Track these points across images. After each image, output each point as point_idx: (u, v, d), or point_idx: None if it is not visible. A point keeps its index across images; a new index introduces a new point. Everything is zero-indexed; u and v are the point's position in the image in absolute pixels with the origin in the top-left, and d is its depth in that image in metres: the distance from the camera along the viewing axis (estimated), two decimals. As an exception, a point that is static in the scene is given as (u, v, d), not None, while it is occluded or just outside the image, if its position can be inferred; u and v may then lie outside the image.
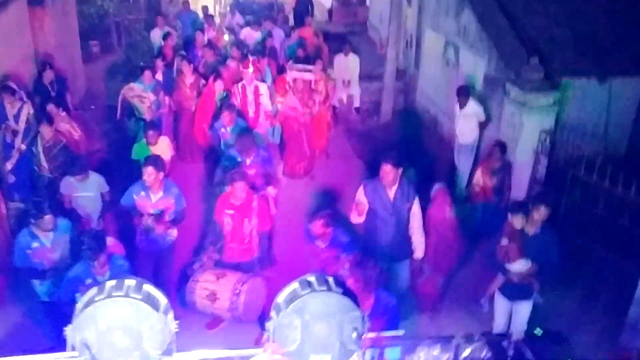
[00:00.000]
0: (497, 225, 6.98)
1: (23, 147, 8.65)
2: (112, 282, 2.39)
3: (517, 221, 6.07)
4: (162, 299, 2.40)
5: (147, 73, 10.09)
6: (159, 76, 10.59)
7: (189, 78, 10.33)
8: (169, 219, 6.72)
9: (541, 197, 6.35)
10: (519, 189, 8.52)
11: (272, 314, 2.43)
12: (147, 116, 9.80)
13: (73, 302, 5.10)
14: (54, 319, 5.89)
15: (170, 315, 2.37)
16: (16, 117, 8.80)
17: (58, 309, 5.59)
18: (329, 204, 8.55)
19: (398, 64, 12.70)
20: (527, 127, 8.45)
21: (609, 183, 7.17)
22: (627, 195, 6.91)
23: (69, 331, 2.32)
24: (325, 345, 2.40)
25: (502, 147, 8.37)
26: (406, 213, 6.36)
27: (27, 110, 8.86)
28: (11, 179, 8.70)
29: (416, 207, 6.38)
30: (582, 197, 7.60)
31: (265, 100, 9.96)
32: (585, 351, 5.67)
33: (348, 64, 12.23)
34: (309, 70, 10.74)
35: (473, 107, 9.29)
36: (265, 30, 13.84)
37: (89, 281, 5.40)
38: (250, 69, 10.04)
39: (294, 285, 2.47)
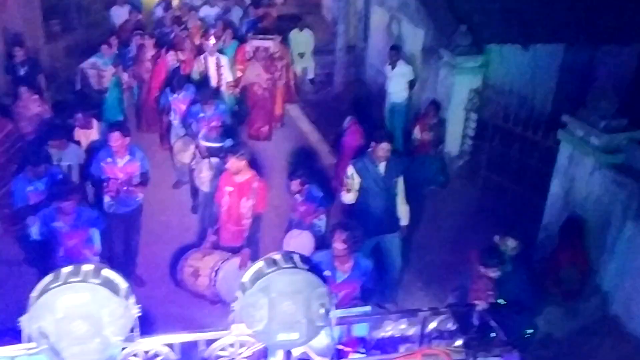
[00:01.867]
0: (431, 175, 8.51)
1: None
2: (69, 268, 2.08)
3: (492, 272, 4.80)
4: (122, 283, 2.10)
5: (105, 47, 9.60)
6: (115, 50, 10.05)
7: (150, 51, 9.88)
8: (136, 182, 6.40)
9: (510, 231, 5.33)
10: (453, 142, 9.07)
11: (238, 293, 2.18)
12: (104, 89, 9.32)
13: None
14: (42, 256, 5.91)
15: (132, 299, 2.07)
16: None
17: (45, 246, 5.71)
18: (299, 163, 8.43)
19: (348, 39, 12.44)
20: (458, 87, 8.88)
21: (521, 129, 7.69)
22: (536, 138, 7.47)
23: (24, 321, 2.01)
24: (293, 323, 2.14)
25: (436, 105, 8.80)
26: (394, 186, 6.13)
27: None
28: None
29: (400, 180, 6.16)
30: (501, 143, 8.08)
31: (225, 71, 9.82)
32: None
33: (302, 39, 12.15)
34: (270, 39, 10.51)
35: (402, 67, 9.61)
36: (223, 6, 13.69)
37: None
38: (212, 41, 9.96)
39: (259, 264, 2.20)
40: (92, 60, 9.59)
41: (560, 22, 9.32)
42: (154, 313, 4.68)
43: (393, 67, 9.66)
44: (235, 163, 5.99)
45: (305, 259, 2.20)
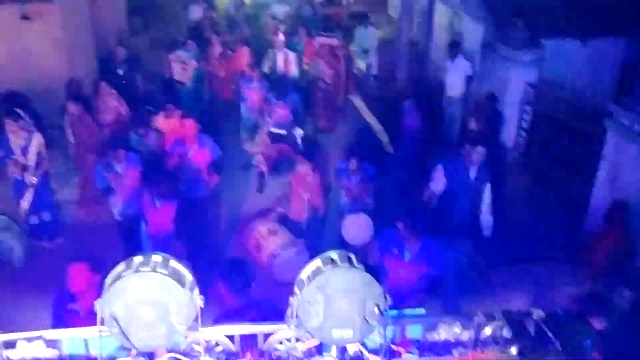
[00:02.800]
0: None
1: (34, 180, 6.78)
2: (140, 258, 2.12)
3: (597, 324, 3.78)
4: (188, 276, 2.11)
5: (190, 41, 9.67)
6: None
7: (217, 49, 9.96)
8: (207, 169, 6.53)
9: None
10: (507, 134, 8.84)
11: (296, 290, 2.16)
12: (186, 81, 9.38)
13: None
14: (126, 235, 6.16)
15: (196, 291, 2.09)
16: (24, 149, 6.74)
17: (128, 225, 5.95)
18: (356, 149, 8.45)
19: (412, 36, 12.28)
20: (514, 80, 8.61)
21: (572, 120, 7.55)
22: (586, 128, 7.31)
23: (98, 305, 2.07)
24: (348, 321, 2.10)
25: (493, 98, 8.51)
26: (481, 193, 5.70)
27: (37, 141, 6.77)
28: (34, 220, 7.02)
29: (488, 190, 5.72)
30: (552, 133, 7.97)
31: (293, 66, 9.80)
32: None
33: (366, 36, 12.07)
34: (334, 37, 10.58)
35: (461, 61, 9.40)
36: (293, 4, 13.85)
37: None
38: (281, 37, 9.99)
39: (317, 262, 2.18)
40: (178, 52, 9.62)
41: (619, 16, 8.71)
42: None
43: (452, 61, 9.51)
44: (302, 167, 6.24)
45: (361, 260, 2.15)
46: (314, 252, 6.23)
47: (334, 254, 2.15)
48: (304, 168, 6.40)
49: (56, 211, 7.24)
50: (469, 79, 9.59)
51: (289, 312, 2.13)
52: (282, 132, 7.54)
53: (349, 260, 2.13)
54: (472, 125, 8.73)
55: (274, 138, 7.72)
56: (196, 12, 12.95)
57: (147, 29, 14.33)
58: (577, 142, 7.54)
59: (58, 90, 8.90)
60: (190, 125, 6.43)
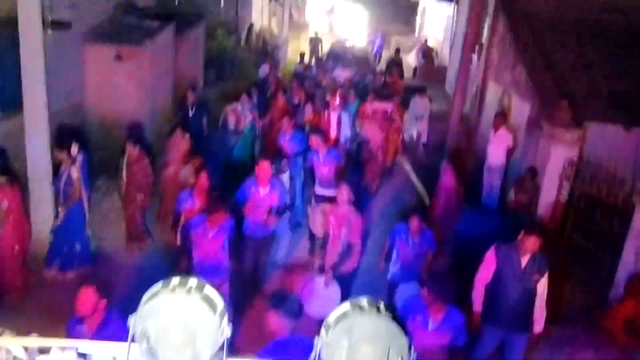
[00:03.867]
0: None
1: (60, 210, 6.75)
2: (177, 279, 2.09)
3: None
4: (220, 303, 2.06)
5: (244, 96, 10.04)
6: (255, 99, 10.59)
7: (280, 103, 10.42)
8: (273, 211, 6.56)
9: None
10: (545, 207, 8.85)
11: (322, 331, 2.07)
12: (238, 128, 9.70)
13: None
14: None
15: (225, 319, 2.04)
16: (59, 178, 6.71)
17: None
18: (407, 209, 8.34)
19: (464, 110, 12.47)
20: (554, 156, 8.70)
21: (606, 196, 7.61)
22: (617, 204, 7.47)
23: (132, 320, 2.04)
24: (369, 367, 2.01)
25: (533, 171, 8.71)
26: (533, 284, 5.16)
27: (76, 173, 6.63)
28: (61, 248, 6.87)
29: (544, 281, 5.19)
30: (585, 206, 8.07)
31: (345, 127, 10.01)
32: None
33: (421, 104, 12.50)
34: (389, 102, 10.91)
35: (505, 132, 9.53)
36: (355, 70, 14.29)
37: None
38: (337, 100, 10.22)
39: (345, 306, 2.10)
40: (234, 105, 10.05)
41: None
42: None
43: (495, 131, 9.62)
44: (345, 193, 6.08)
45: (390, 309, 2.05)
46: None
47: (363, 301, 2.06)
48: (344, 199, 6.15)
49: (85, 243, 7.07)
50: (510, 150, 9.59)
51: (312, 354, 2.04)
52: (330, 193, 7.31)
53: (377, 307, 2.04)
54: (512, 195, 8.83)
55: (321, 199, 7.63)
56: (265, 70, 13.51)
57: (219, 81, 14.95)
58: (609, 217, 7.51)
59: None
60: (267, 167, 6.47)
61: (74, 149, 6.72)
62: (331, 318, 2.05)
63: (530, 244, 5.05)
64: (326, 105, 10.50)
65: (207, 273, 5.55)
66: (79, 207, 6.85)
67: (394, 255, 6.29)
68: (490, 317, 5.18)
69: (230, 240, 5.82)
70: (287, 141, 8.71)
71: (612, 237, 7.34)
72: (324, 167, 7.81)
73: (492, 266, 5.21)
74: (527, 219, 8.57)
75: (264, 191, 6.50)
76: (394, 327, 1.98)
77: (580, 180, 8.51)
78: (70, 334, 3.95)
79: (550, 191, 8.79)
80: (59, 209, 6.87)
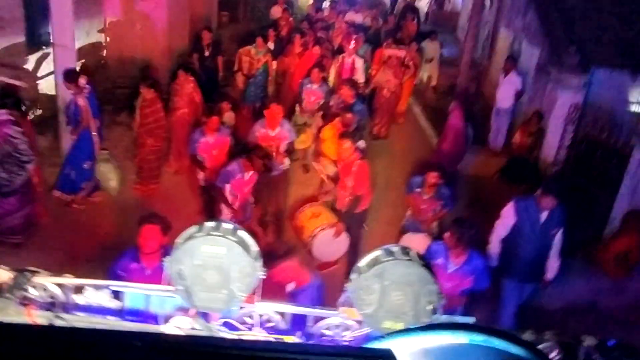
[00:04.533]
0: (527, 175, 8.13)
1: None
2: (212, 223, 2.05)
3: None
4: (254, 246, 2.04)
5: (260, 40, 9.59)
6: (271, 45, 10.15)
7: (298, 48, 9.97)
8: (283, 150, 6.65)
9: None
10: (549, 150, 8.88)
11: (353, 276, 2.03)
12: (251, 71, 9.41)
13: None
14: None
15: (259, 262, 2.01)
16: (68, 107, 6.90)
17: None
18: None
19: (475, 55, 12.14)
20: (561, 101, 8.63)
21: (608, 138, 7.51)
22: (617, 146, 7.39)
23: (167, 262, 2.01)
24: (400, 314, 1.96)
25: (539, 115, 8.74)
26: (551, 238, 5.11)
27: (82, 101, 6.78)
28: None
29: (560, 235, 5.12)
30: (586, 147, 8.04)
31: (359, 73, 9.65)
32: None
33: (432, 47, 12.16)
34: (403, 49, 10.53)
35: (513, 76, 9.40)
36: (367, 14, 13.76)
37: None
38: (352, 45, 9.84)
39: (377, 252, 2.05)
40: (248, 48, 9.68)
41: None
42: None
43: (505, 76, 9.51)
44: (345, 146, 5.94)
45: (421, 256, 2.01)
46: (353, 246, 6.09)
47: (394, 247, 2.01)
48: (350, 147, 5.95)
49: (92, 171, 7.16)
50: (519, 94, 9.47)
51: (342, 298, 2.01)
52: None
53: (409, 254, 1.99)
54: (517, 138, 8.86)
55: None
56: (276, 12, 13.03)
57: (233, 22, 14.52)
58: (609, 159, 7.55)
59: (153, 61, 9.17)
60: (278, 111, 6.49)
61: (82, 80, 6.88)
62: (362, 263, 2.01)
63: (548, 202, 4.95)
64: (340, 50, 10.12)
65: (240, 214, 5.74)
66: (87, 135, 6.95)
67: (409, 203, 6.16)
68: (506, 271, 5.12)
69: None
70: (311, 91, 8.35)
71: (609, 177, 7.41)
72: (348, 118, 7.42)
73: (510, 221, 5.09)
74: (532, 161, 8.74)
75: (273, 132, 6.53)
76: (424, 273, 1.94)
77: (583, 124, 8.46)
78: (122, 273, 3.83)
79: (555, 134, 8.80)
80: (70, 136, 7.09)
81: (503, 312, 5.28)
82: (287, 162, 6.76)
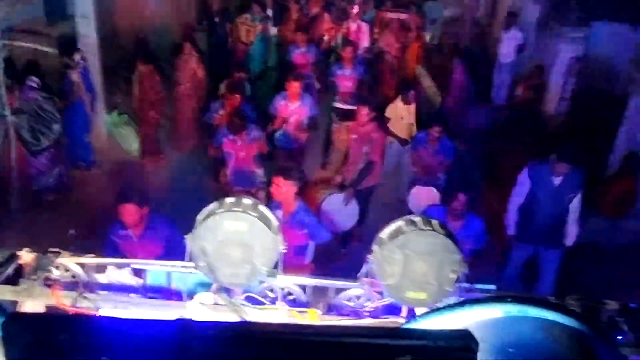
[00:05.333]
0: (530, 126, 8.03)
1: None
2: (232, 199, 1.96)
3: None
4: (274, 221, 1.95)
5: (256, 6, 8.91)
6: (269, 12, 9.54)
7: (294, 15, 9.46)
8: (303, 125, 6.29)
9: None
10: (550, 102, 8.75)
11: (374, 247, 1.96)
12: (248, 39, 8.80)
13: None
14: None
15: (280, 236, 1.94)
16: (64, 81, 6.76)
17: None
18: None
19: (477, 15, 11.74)
20: (561, 54, 8.43)
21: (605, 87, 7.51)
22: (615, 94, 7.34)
23: (189, 239, 1.93)
24: (423, 284, 1.89)
25: (540, 69, 8.55)
26: (567, 203, 4.83)
27: (75, 76, 6.73)
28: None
29: (577, 200, 4.86)
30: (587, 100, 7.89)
31: (365, 37, 9.18)
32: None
33: (434, 8, 11.62)
34: (405, 12, 10.09)
35: (515, 31, 9.28)
36: None
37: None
38: (356, 8, 9.43)
39: (399, 222, 1.96)
40: (245, 15, 9.07)
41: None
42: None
43: (507, 31, 9.33)
44: (365, 115, 5.59)
45: (443, 226, 1.93)
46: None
47: (416, 217, 1.93)
48: (366, 118, 5.66)
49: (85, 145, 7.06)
50: (520, 48, 9.27)
51: (363, 269, 1.95)
52: (351, 107, 6.64)
53: (430, 224, 1.91)
54: (519, 91, 8.75)
55: (341, 114, 7.08)
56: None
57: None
58: (608, 108, 7.49)
59: (160, 31, 8.78)
60: (296, 86, 6.14)
61: (77, 56, 6.79)
62: (384, 234, 1.93)
63: (562, 168, 4.72)
64: (345, 15, 9.54)
65: (242, 182, 5.51)
66: (79, 107, 6.82)
67: (413, 160, 6.05)
68: (521, 235, 4.96)
69: (262, 150, 5.64)
70: (300, 55, 7.93)
71: (608, 125, 7.37)
72: (348, 81, 7.23)
73: (525, 188, 4.88)
74: (533, 114, 8.56)
75: (293, 105, 6.23)
76: (448, 243, 1.86)
77: (583, 75, 8.36)
78: (115, 238, 3.88)
79: (556, 87, 8.68)
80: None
81: (510, 275, 5.21)
82: (305, 135, 6.42)
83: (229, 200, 1.89)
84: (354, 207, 5.72)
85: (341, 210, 5.66)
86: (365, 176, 5.65)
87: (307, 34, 8.14)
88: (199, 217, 1.88)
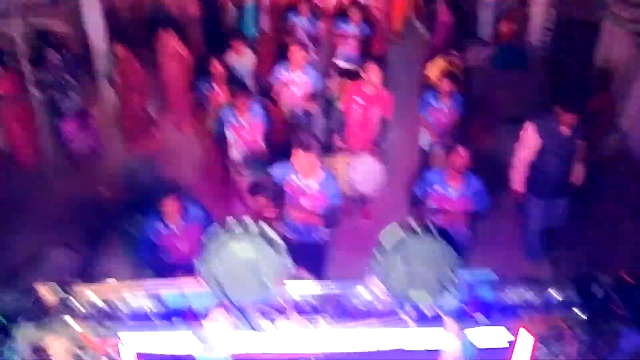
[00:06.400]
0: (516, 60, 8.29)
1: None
2: (234, 220, 1.92)
3: None
4: (278, 239, 1.94)
5: None
6: None
7: None
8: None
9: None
10: (534, 33, 8.57)
11: (377, 255, 1.95)
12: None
13: None
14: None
15: (284, 251, 1.91)
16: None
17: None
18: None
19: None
20: None
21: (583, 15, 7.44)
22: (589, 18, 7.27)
23: (198, 262, 1.93)
24: (424, 284, 1.89)
25: (522, 1, 8.51)
26: (575, 147, 4.60)
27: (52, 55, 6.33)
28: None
29: (581, 140, 4.61)
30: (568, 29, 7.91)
31: None
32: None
33: None
34: None
35: None
36: None
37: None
38: None
39: (399, 232, 1.94)
40: None
41: None
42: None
43: None
44: (373, 75, 5.02)
45: (441, 231, 1.91)
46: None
47: (414, 223, 1.91)
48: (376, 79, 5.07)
49: None
50: None
51: (368, 273, 1.95)
52: (353, 67, 6.07)
53: (427, 228, 1.90)
54: (503, 25, 8.63)
55: (343, 74, 6.33)
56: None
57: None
58: (585, 33, 7.51)
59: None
60: (297, 51, 5.47)
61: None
62: (384, 240, 1.92)
63: (569, 119, 4.42)
64: None
65: (253, 164, 5.00)
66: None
67: (425, 121, 5.48)
68: (533, 191, 4.69)
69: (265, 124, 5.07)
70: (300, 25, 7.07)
71: (586, 49, 7.41)
72: (353, 40, 6.61)
73: (533, 144, 4.57)
74: (519, 46, 8.54)
75: (295, 75, 5.51)
76: (445, 247, 1.86)
77: (563, 4, 8.05)
78: (154, 237, 3.75)
79: (538, 18, 8.45)
80: None
81: (528, 234, 4.95)
82: (314, 107, 5.76)
83: (231, 221, 1.86)
84: (380, 165, 5.24)
85: (368, 170, 5.21)
86: (383, 135, 5.22)
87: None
88: (207, 241, 1.86)
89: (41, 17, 6.64)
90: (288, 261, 1.86)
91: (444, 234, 1.88)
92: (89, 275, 1.99)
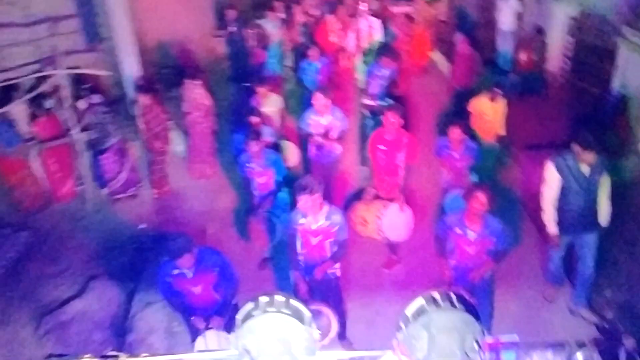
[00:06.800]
0: (536, 87, 8.40)
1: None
2: (266, 299, 2.02)
3: None
4: (307, 313, 2.00)
5: (270, 12, 8.34)
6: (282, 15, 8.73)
7: (300, 18, 8.80)
8: (334, 137, 5.73)
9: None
10: (553, 62, 8.66)
11: (401, 324, 2.00)
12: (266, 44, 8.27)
13: None
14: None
15: (313, 325, 1.99)
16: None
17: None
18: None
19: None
20: (558, 14, 8.35)
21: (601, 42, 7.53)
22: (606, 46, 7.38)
23: (232, 338, 2.02)
24: (449, 354, 1.96)
25: (540, 31, 8.60)
26: (598, 185, 4.57)
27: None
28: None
29: (605, 177, 4.57)
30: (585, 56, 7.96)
31: (377, 33, 8.39)
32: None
33: None
34: (408, 5, 9.62)
35: (513, 1, 9.07)
36: None
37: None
38: (365, 5, 8.61)
39: (421, 301, 2.00)
40: (259, 22, 8.49)
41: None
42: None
43: (506, 0, 9.08)
44: (392, 120, 5.16)
45: (461, 299, 1.95)
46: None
47: (435, 294, 1.96)
48: (394, 119, 5.21)
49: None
50: (519, 16, 9.07)
51: (394, 343, 2.00)
52: (383, 103, 6.30)
53: (450, 299, 1.94)
54: (522, 55, 8.65)
55: (374, 109, 6.61)
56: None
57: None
58: (603, 59, 7.55)
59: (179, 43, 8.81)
60: (320, 97, 5.72)
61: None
62: (408, 312, 1.97)
63: (589, 157, 4.40)
64: (354, 12, 8.66)
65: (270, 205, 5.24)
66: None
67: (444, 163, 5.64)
68: (560, 228, 4.70)
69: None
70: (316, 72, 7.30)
71: (604, 73, 7.44)
72: (380, 79, 6.80)
73: (556, 182, 4.56)
74: (538, 74, 8.62)
75: (325, 120, 5.73)
76: (468, 317, 1.89)
77: (581, 33, 8.19)
78: (168, 279, 3.94)
79: (556, 47, 8.56)
80: None
81: (552, 271, 4.99)
82: (339, 148, 5.94)
83: (263, 299, 1.95)
84: (409, 215, 5.31)
85: (399, 218, 5.29)
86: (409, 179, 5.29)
87: (317, 46, 7.55)
88: (238, 316, 1.95)
89: (81, 61, 6.98)
90: (316, 332, 1.92)
91: (466, 304, 1.92)
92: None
